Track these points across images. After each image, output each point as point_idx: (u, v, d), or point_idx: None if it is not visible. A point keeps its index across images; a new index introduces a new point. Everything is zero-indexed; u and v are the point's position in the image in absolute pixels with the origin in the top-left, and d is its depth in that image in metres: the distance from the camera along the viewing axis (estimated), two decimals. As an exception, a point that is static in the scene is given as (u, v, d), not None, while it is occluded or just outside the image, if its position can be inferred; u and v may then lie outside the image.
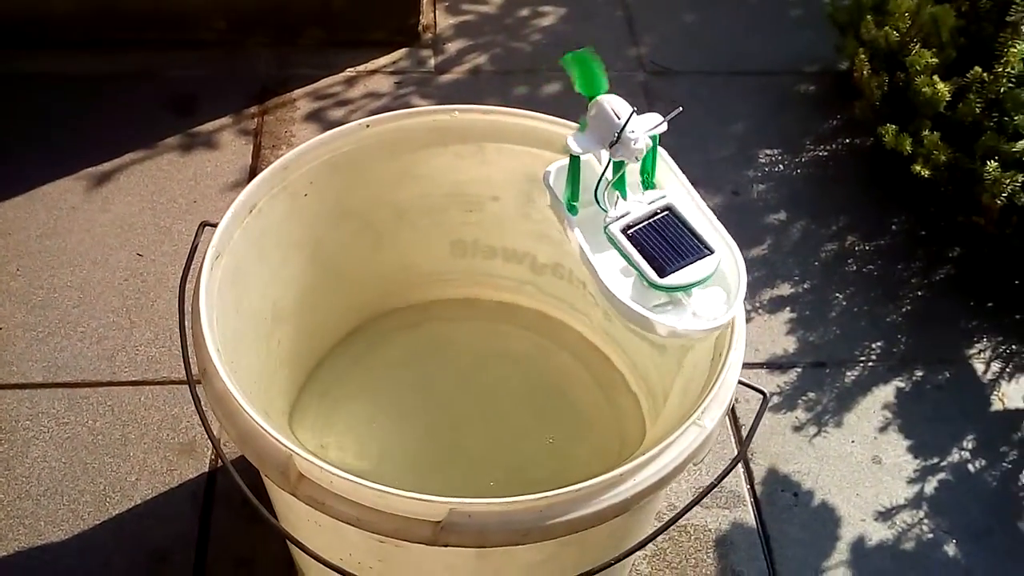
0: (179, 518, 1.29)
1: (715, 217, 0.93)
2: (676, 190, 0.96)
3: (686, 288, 0.89)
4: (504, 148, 1.16)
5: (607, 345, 1.28)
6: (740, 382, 0.93)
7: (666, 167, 0.98)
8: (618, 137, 0.89)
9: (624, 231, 0.92)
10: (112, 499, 1.30)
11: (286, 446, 0.81)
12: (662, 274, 0.89)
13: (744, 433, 1.43)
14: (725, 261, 0.91)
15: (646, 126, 0.91)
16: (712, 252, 0.90)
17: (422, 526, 0.81)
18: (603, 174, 0.93)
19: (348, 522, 0.82)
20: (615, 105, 0.91)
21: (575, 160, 0.93)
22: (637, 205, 0.94)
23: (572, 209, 0.95)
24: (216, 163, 1.76)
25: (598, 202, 0.94)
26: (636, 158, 0.91)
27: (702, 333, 0.89)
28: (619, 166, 0.93)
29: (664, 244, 0.91)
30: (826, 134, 1.94)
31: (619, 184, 0.94)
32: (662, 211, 0.94)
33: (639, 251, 0.91)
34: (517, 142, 1.15)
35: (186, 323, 0.96)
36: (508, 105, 1.14)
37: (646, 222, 0.93)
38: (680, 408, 1.03)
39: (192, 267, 0.99)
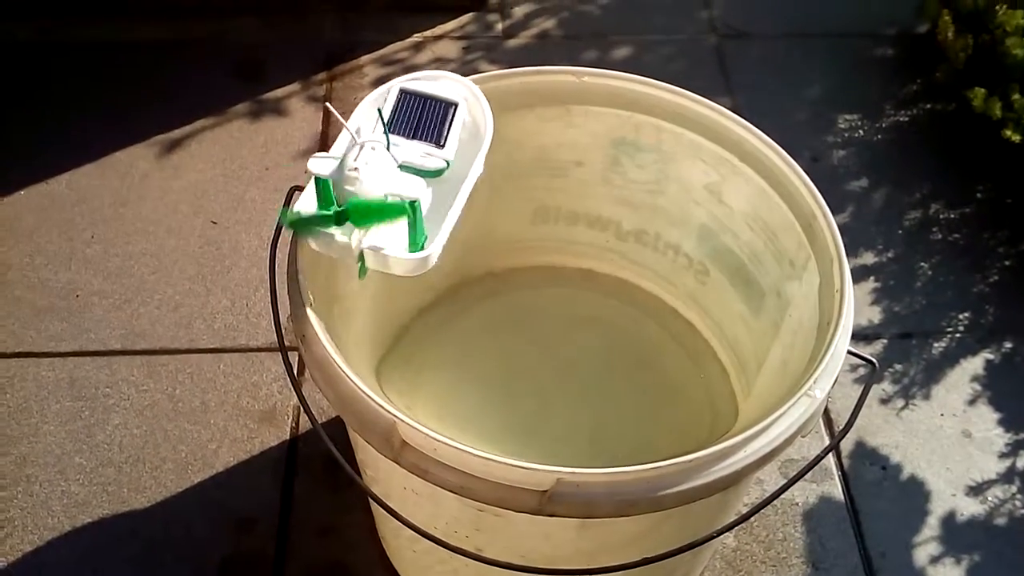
0: (261, 486, 1.29)
1: None
2: None
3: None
4: (591, 111, 1.13)
5: (693, 313, 1.25)
6: (848, 351, 0.90)
7: None
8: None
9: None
10: (194, 466, 1.30)
11: (391, 412, 0.79)
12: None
13: (829, 406, 1.40)
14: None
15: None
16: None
17: (528, 495, 0.79)
18: None
19: (451, 490, 0.80)
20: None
21: None
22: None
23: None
24: (286, 130, 1.74)
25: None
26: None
27: None
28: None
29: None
30: (907, 99, 1.87)
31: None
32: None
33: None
34: (604, 104, 1.12)
35: (276, 288, 0.94)
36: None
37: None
38: (781, 378, 1.01)
39: (281, 233, 0.98)
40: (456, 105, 0.91)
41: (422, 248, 0.83)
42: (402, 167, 0.86)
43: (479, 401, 1.19)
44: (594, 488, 0.78)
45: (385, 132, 0.87)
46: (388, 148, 0.86)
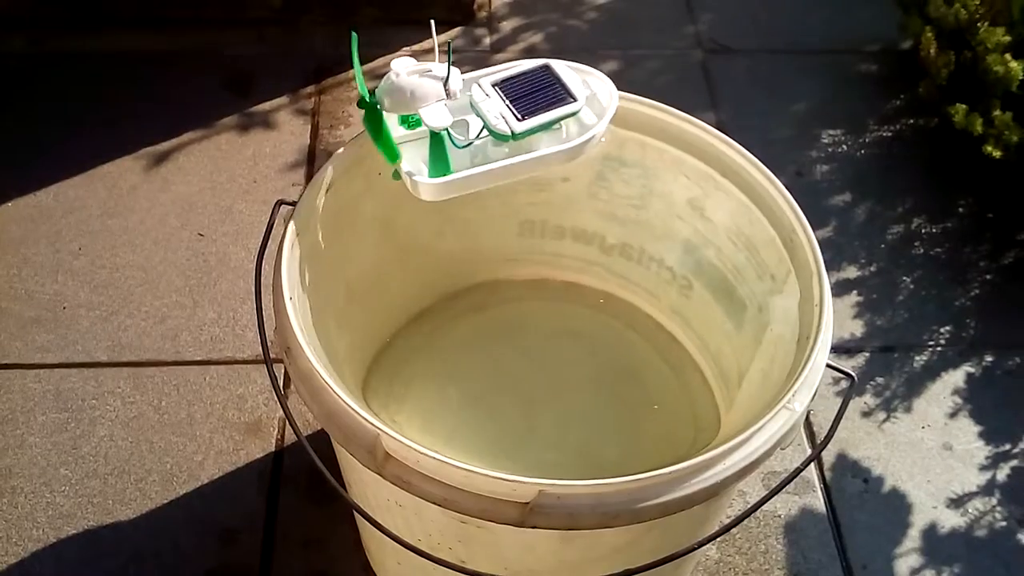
0: (246, 498, 1.29)
1: None
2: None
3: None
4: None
5: (677, 326, 1.26)
6: (828, 365, 0.91)
7: None
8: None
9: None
10: (179, 478, 1.31)
11: (374, 425, 0.80)
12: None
13: (811, 419, 1.41)
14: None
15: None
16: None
17: (510, 507, 0.79)
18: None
19: (434, 502, 0.81)
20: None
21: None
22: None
23: None
24: (274, 143, 1.75)
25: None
26: None
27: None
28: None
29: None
30: (890, 114, 1.90)
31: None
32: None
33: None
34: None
35: (262, 301, 0.95)
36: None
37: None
38: (761, 391, 1.02)
39: (267, 245, 0.98)
40: (573, 100, 0.93)
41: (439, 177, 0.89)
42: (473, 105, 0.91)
43: (465, 414, 1.19)
44: (576, 500, 0.79)
45: (449, 67, 0.89)
46: (447, 83, 0.88)
